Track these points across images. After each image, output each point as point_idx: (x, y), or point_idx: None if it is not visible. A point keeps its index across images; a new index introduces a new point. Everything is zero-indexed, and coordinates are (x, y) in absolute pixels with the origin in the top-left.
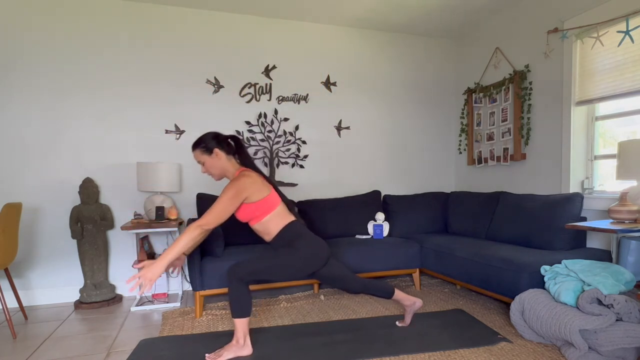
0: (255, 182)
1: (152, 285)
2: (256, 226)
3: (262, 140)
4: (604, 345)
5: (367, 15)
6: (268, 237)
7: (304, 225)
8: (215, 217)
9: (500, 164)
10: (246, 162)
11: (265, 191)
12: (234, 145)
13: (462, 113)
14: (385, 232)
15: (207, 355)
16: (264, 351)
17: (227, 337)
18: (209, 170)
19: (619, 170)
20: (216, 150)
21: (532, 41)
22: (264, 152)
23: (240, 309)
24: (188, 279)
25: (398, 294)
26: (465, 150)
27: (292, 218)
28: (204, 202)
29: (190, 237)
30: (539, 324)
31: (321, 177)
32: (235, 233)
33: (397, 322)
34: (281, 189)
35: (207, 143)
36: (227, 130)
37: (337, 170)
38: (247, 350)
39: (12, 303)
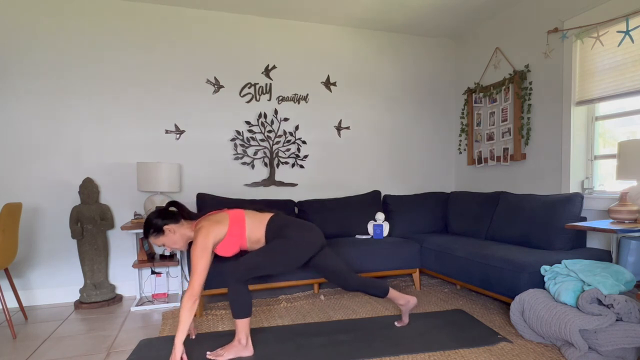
0: (209, 228)
1: None
2: (248, 246)
3: (262, 140)
4: (604, 345)
5: (367, 15)
6: (262, 244)
7: (286, 214)
8: (199, 280)
9: (500, 164)
10: (192, 216)
11: (224, 221)
12: (177, 210)
13: (462, 113)
14: (385, 232)
15: (208, 353)
16: (264, 351)
17: (227, 337)
18: (172, 247)
19: (619, 170)
20: (166, 227)
21: (532, 41)
22: (264, 152)
23: (240, 310)
24: (188, 279)
25: (392, 293)
26: (465, 150)
27: (269, 215)
28: (204, 202)
29: (188, 310)
30: (539, 324)
31: (321, 177)
32: None
33: (395, 323)
34: (281, 189)
35: (155, 226)
36: (227, 130)
37: (337, 170)
38: (249, 350)
39: (12, 303)
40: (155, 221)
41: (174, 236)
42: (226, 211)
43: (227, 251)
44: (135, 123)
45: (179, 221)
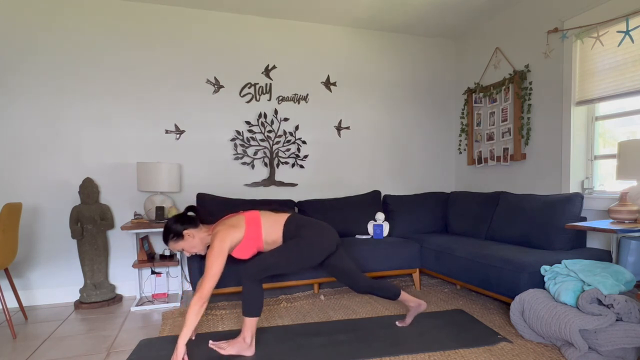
0: (225, 232)
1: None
2: (265, 248)
3: (262, 140)
4: (604, 345)
5: (367, 15)
6: (279, 245)
7: (301, 215)
8: (210, 283)
9: (500, 164)
10: (209, 220)
11: (241, 224)
12: (194, 215)
13: (462, 113)
14: (385, 232)
15: (210, 342)
16: (264, 351)
17: (227, 337)
18: (191, 251)
19: (619, 170)
20: (185, 232)
21: (532, 41)
22: (264, 152)
23: (252, 308)
24: (188, 279)
25: (404, 295)
26: (465, 150)
27: (285, 216)
28: (204, 202)
29: (196, 313)
30: (539, 324)
31: (321, 177)
32: None
33: (396, 322)
34: (281, 189)
35: (174, 231)
36: (227, 130)
37: (337, 170)
38: (251, 350)
39: (12, 303)
40: (175, 226)
41: (194, 240)
42: (242, 213)
43: (244, 254)
44: (135, 123)
45: (197, 226)
